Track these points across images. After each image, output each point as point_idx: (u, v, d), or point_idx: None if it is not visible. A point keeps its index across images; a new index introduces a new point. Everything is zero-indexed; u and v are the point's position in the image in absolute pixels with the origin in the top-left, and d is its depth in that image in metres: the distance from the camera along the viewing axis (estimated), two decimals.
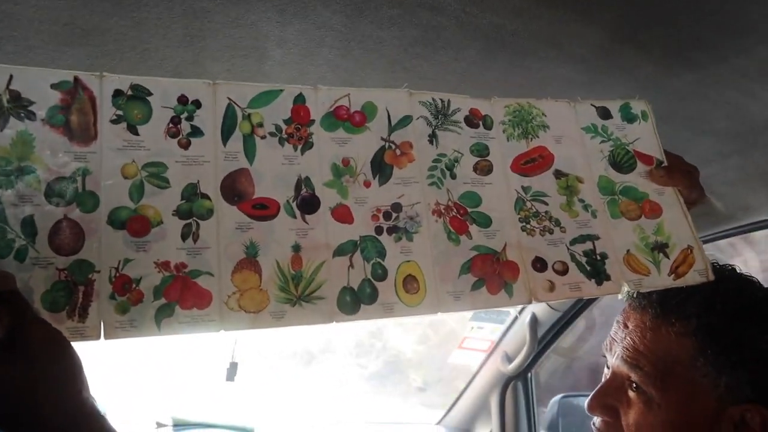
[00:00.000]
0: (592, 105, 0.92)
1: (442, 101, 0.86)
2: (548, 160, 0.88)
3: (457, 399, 2.54)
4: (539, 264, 0.82)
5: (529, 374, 2.31)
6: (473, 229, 0.81)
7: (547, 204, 0.86)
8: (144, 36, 0.81)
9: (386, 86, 1.05)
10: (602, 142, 0.91)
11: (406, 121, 0.83)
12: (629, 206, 0.89)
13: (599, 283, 0.83)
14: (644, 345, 0.84)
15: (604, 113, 0.92)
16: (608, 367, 0.91)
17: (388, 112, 0.83)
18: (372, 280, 0.74)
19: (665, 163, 0.92)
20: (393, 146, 0.81)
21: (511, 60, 0.95)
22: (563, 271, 0.82)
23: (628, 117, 0.93)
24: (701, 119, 1.09)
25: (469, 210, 0.82)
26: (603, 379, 0.91)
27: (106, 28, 0.79)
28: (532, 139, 0.88)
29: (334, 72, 0.95)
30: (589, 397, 0.89)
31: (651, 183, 0.91)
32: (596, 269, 0.83)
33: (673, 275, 0.85)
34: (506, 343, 2.25)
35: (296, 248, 0.72)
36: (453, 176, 0.83)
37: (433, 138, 0.84)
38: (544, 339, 2.14)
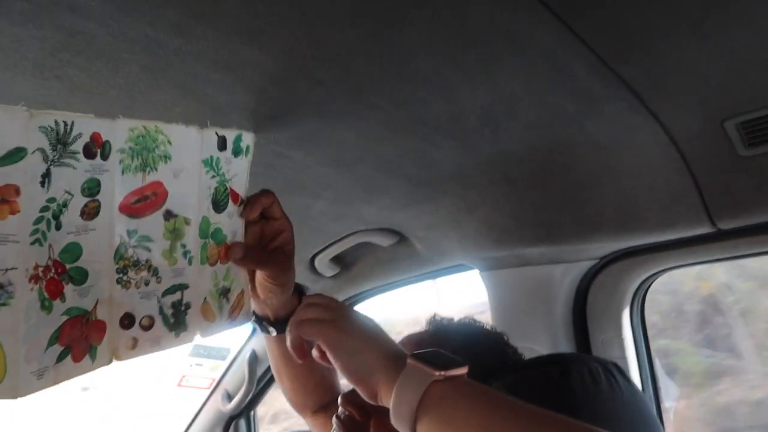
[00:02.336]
0: (216, 133, 0.79)
1: (66, 124, 0.62)
2: (161, 199, 0.73)
3: None
4: (127, 321, 0.71)
5: (252, 412, 2.21)
6: (68, 289, 0.65)
7: (150, 251, 0.73)
8: None
9: (37, 95, 0.87)
10: (212, 177, 0.79)
11: (18, 155, 0.57)
12: (212, 250, 0.80)
13: (177, 334, 0.76)
14: None
15: (222, 144, 0.80)
16: None
17: None
18: None
19: (244, 201, 0.84)
20: None
21: (181, 82, 0.84)
22: (149, 326, 0.73)
23: (236, 150, 0.82)
24: (393, 164, 1.07)
25: (68, 267, 0.65)
26: None
27: None
28: (150, 172, 0.71)
29: None
30: (349, 391, 0.86)
31: (231, 224, 0.83)
32: (178, 321, 0.77)
33: (230, 318, 0.85)
34: (227, 381, 2.13)
35: None
36: (58, 226, 0.63)
37: (46, 178, 0.61)
38: (265, 376, 2.06)
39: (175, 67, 0.81)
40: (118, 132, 0.68)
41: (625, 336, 1.25)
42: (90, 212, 0.66)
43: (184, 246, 0.76)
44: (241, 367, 2.04)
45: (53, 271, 0.63)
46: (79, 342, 0.66)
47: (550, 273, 1.23)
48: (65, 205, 0.63)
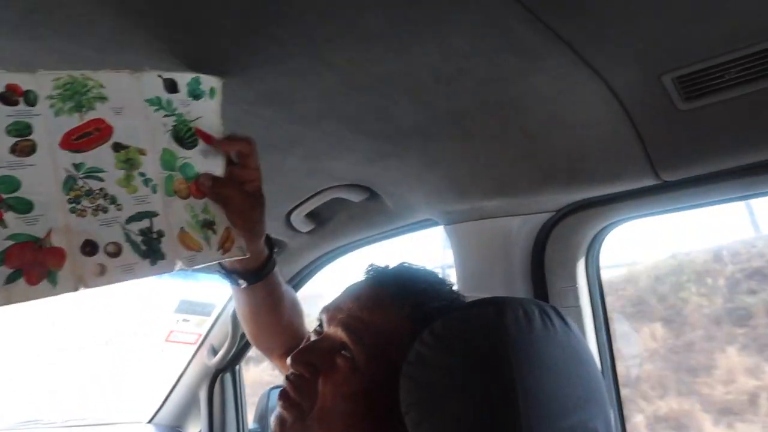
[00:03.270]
0: (159, 76, 0.84)
1: None
2: (106, 133, 0.80)
3: (168, 395, 2.44)
4: (89, 247, 0.77)
5: (237, 367, 2.29)
6: (9, 216, 0.72)
7: (102, 180, 0.79)
8: None
9: (15, 56, 0.92)
10: (166, 115, 0.85)
11: None
12: (180, 185, 0.86)
13: (153, 262, 0.80)
14: (372, 320, 0.88)
15: (171, 86, 0.85)
16: (317, 332, 0.95)
17: None
18: None
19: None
20: None
21: (149, 43, 0.89)
22: (116, 253, 0.78)
23: (195, 93, 0.87)
24: (356, 120, 1.12)
25: (4, 196, 0.72)
26: (307, 340, 0.96)
27: None
28: (86, 111, 0.79)
29: None
30: (296, 351, 0.91)
31: (206, 163, 0.89)
32: (152, 248, 0.81)
33: (221, 250, 0.88)
34: (213, 336, 2.21)
35: None
36: None
37: None
38: None
39: (142, 28, 0.86)
40: (42, 83, 0.75)
41: (580, 286, 1.32)
42: (24, 150, 0.74)
43: (143, 174, 0.82)
44: (226, 323, 2.11)
45: None
46: (33, 266, 0.72)
47: (509, 225, 1.29)
48: None
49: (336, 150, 1.25)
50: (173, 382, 2.39)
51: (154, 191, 0.82)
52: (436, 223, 1.47)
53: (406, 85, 1.00)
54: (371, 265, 0.99)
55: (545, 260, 1.34)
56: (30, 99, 0.74)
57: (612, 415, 0.85)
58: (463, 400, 0.75)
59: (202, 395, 2.30)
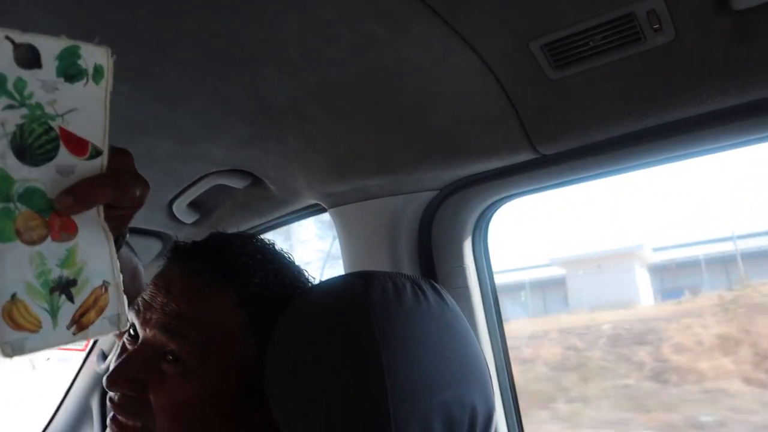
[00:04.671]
0: (8, 39, 0.48)
1: None
2: None
3: (58, 408, 2.29)
4: None
5: None
6: None
7: None
8: None
9: None
10: (9, 107, 0.49)
11: None
12: (31, 221, 0.52)
13: None
14: (192, 311, 0.78)
15: (30, 58, 0.50)
16: (132, 337, 0.82)
17: None
18: None
19: (105, 155, 0.55)
20: None
21: None
22: None
23: (71, 71, 0.52)
24: (227, 99, 1.06)
25: None
26: (123, 350, 0.82)
27: None
28: None
29: None
30: (112, 371, 0.77)
31: (65, 185, 0.54)
32: None
33: (75, 327, 0.54)
34: (103, 341, 2.08)
35: None
36: None
37: None
38: None
39: None
40: None
41: (467, 265, 1.31)
42: None
43: None
44: None
45: None
46: None
47: (393, 205, 1.26)
48: None
49: (210, 132, 1.19)
50: (62, 394, 2.24)
51: None
52: (323, 209, 1.43)
53: (273, 58, 0.95)
54: (173, 244, 0.86)
55: (432, 241, 1.32)
56: None
57: (493, 392, 0.83)
58: (330, 378, 0.71)
59: (95, 404, 2.18)
